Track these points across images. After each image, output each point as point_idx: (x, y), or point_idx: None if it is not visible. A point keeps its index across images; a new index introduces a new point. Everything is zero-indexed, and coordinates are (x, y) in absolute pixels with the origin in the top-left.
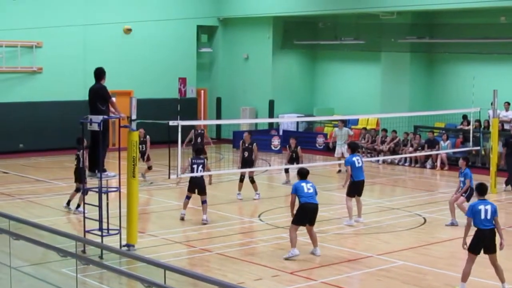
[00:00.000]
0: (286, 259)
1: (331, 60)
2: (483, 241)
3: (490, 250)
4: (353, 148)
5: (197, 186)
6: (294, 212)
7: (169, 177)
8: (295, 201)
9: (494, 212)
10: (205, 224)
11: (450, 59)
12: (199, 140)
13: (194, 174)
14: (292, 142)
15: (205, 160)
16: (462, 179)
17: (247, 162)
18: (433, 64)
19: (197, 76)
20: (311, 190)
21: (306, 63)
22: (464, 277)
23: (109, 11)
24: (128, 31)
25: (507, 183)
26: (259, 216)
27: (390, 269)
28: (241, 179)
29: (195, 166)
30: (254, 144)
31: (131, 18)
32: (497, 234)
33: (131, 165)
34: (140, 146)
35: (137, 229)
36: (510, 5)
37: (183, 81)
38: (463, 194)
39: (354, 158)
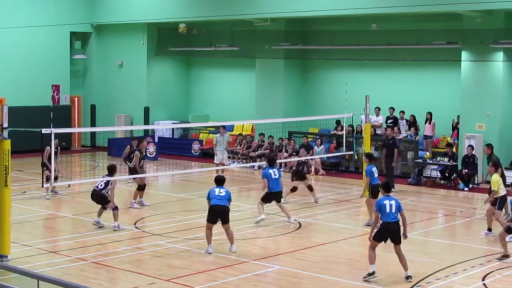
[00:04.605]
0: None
1: (206, 66)
2: (389, 232)
3: (396, 241)
4: (271, 161)
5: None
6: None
7: (42, 186)
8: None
9: (399, 207)
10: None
11: (323, 66)
12: None
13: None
14: (142, 146)
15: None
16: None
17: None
18: (306, 70)
19: (71, 83)
20: (223, 194)
21: (181, 69)
22: (371, 260)
23: None
24: None
25: None
26: (135, 224)
27: (267, 274)
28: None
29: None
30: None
31: (1, 24)
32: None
33: (2, 174)
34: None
35: (10, 239)
36: (381, 13)
37: (56, 88)
38: (370, 196)
39: (270, 171)
